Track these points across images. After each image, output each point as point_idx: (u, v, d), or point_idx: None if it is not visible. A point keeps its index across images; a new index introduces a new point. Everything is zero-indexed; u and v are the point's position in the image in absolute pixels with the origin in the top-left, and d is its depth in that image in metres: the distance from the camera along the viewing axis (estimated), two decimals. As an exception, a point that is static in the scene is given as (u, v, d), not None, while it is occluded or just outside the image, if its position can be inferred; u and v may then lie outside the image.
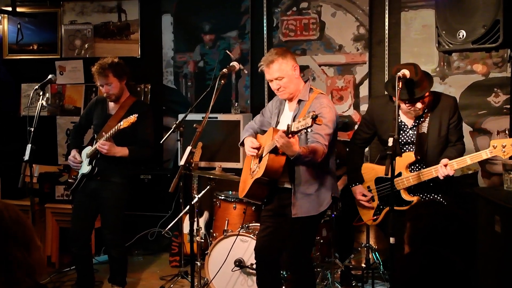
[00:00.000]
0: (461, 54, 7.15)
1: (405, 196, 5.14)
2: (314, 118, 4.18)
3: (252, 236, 6.14)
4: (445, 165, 4.86)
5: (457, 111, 5.18)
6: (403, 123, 5.23)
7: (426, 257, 2.93)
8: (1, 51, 9.26)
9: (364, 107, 7.73)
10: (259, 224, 6.51)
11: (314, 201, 5.08)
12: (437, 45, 5.36)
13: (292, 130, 4.41)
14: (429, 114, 5.13)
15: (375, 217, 5.43)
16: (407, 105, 5.03)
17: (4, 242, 2.67)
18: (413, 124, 5.19)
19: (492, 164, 7.07)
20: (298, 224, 5.09)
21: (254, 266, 6.01)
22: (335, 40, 7.88)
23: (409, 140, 5.21)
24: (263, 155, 4.96)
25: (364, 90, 7.77)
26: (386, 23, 7.57)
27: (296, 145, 4.59)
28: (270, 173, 4.87)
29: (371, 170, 5.46)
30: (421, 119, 5.15)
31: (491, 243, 5.07)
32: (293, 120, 5.01)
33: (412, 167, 5.17)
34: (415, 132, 5.17)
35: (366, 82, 7.75)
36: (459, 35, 4.99)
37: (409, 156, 5.11)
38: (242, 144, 5.38)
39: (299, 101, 5.14)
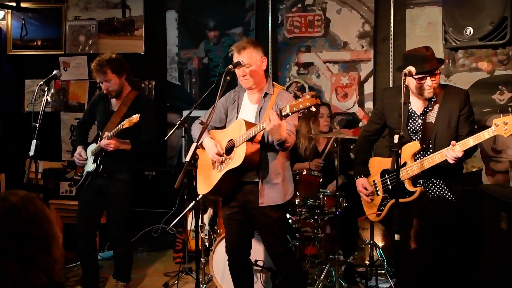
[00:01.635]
0: (466, 52, 7.14)
1: (409, 186, 5.09)
2: (316, 97, 4.22)
3: (256, 233, 6.13)
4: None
5: (469, 103, 5.08)
6: (412, 111, 5.18)
7: (432, 254, 2.93)
8: (5, 46, 9.25)
9: (368, 104, 7.73)
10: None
11: (280, 191, 5.13)
12: (443, 42, 5.37)
13: (288, 111, 4.43)
14: (438, 105, 5.08)
15: (378, 212, 5.40)
16: (417, 80, 4.98)
17: (20, 240, 2.67)
18: (422, 112, 5.15)
19: (496, 162, 7.06)
20: (267, 217, 5.12)
21: (258, 263, 6.04)
22: (340, 37, 7.89)
23: (418, 128, 5.16)
24: (236, 146, 4.94)
25: (368, 87, 7.76)
26: (391, 20, 7.57)
27: (285, 129, 4.64)
28: (248, 161, 4.87)
29: (377, 164, 5.42)
30: (429, 108, 5.11)
31: (497, 240, 5.06)
32: (259, 113, 5.08)
33: (417, 156, 5.13)
34: (422, 121, 5.13)
35: (371, 80, 7.75)
36: (466, 31, 5.00)
37: (414, 145, 5.06)
38: (201, 145, 5.19)
39: (266, 94, 5.16)
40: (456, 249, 2.93)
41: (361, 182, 5.47)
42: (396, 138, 4.54)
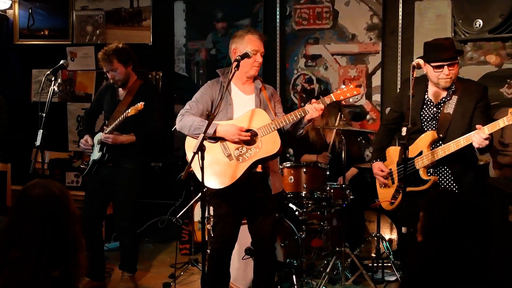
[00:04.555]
0: (475, 45, 7.11)
1: (423, 175, 5.11)
2: (360, 87, 4.42)
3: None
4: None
5: (485, 97, 5.11)
6: (429, 99, 5.19)
7: (439, 247, 2.91)
8: (12, 36, 9.25)
9: (376, 97, 7.72)
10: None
11: (280, 178, 5.32)
12: (453, 34, 5.36)
13: (333, 99, 4.87)
14: (456, 96, 5.08)
15: (392, 200, 5.40)
16: (434, 69, 4.98)
17: (52, 231, 2.70)
18: (439, 101, 5.15)
19: (504, 155, 7.03)
20: (273, 204, 5.24)
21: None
22: (348, 29, 7.86)
23: (431, 116, 5.17)
24: (262, 135, 4.95)
25: (376, 80, 7.74)
26: (400, 13, 7.54)
27: None
28: (280, 148, 5.00)
29: (395, 153, 5.43)
30: (448, 98, 5.11)
31: (504, 233, 5.04)
32: (260, 104, 5.15)
33: (434, 145, 5.13)
34: (439, 110, 5.13)
35: (379, 72, 7.73)
36: (475, 24, 4.99)
37: (432, 134, 5.08)
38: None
39: (259, 85, 5.27)
40: (466, 242, 2.92)
41: (377, 165, 5.50)
42: (403, 130, 4.55)
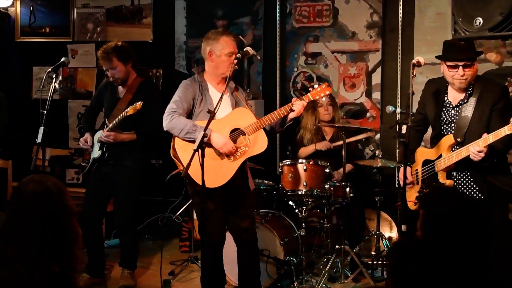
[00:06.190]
0: (475, 43, 7.10)
1: (441, 178, 5.13)
2: (330, 86, 5.04)
3: (263, 222, 6.13)
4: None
5: (504, 98, 5.00)
6: (448, 102, 5.18)
7: (441, 245, 2.91)
8: (13, 33, 9.25)
9: (376, 95, 7.73)
10: (268, 210, 6.50)
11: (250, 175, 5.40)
12: (453, 32, 5.33)
13: (311, 98, 5.14)
14: (474, 98, 5.02)
15: (415, 200, 5.40)
16: (448, 69, 4.96)
17: (48, 226, 2.71)
18: (457, 103, 5.12)
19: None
20: (253, 198, 5.46)
21: (264, 252, 6.03)
22: (348, 27, 7.86)
23: (450, 119, 5.16)
24: (249, 133, 5.06)
25: (376, 78, 7.74)
26: (400, 11, 7.54)
27: None
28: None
29: (421, 154, 5.43)
30: (465, 101, 5.06)
31: (504, 232, 5.04)
32: (236, 103, 5.29)
33: (454, 149, 5.11)
34: (457, 113, 5.12)
35: (379, 70, 7.73)
36: (475, 22, 4.96)
37: (449, 139, 5.09)
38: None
39: (232, 85, 5.35)
40: (467, 243, 2.91)
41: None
42: (404, 128, 4.54)
